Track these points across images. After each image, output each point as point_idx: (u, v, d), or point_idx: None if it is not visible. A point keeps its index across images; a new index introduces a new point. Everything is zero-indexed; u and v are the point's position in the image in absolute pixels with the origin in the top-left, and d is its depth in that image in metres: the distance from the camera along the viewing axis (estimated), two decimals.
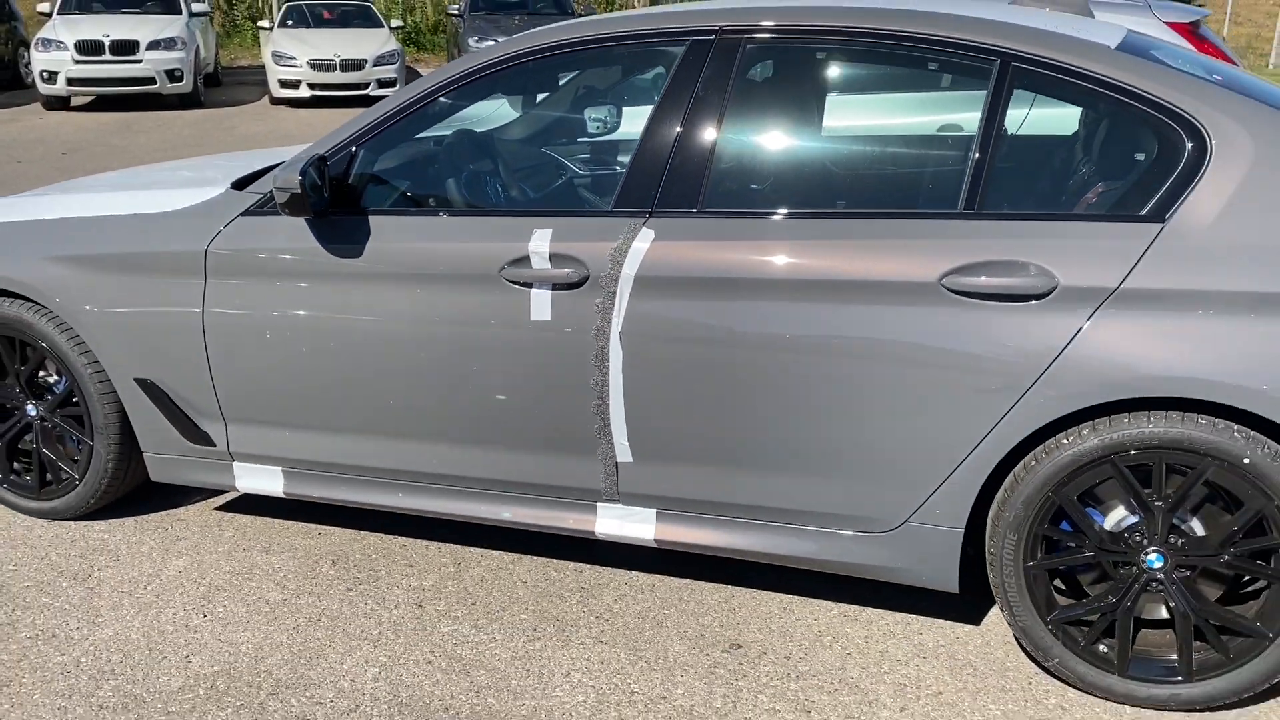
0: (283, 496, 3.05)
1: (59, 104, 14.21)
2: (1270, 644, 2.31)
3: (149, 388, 3.03)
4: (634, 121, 3.37)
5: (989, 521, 2.44)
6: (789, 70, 2.84)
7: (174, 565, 3.06)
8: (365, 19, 16.25)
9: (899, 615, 2.80)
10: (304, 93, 14.49)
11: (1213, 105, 2.29)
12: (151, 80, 14.00)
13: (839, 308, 2.40)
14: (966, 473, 2.39)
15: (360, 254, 2.74)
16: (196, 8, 15.87)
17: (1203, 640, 2.38)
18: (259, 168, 3.25)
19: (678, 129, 2.58)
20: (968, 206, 2.38)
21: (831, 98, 2.91)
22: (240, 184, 3.04)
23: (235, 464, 3.06)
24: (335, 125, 12.98)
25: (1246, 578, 2.38)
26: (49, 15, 14.70)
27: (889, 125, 2.99)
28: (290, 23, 15.88)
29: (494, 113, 3.56)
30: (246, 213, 2.88)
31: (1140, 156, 2.41)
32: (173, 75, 14.11)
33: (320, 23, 15.93)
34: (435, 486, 2.86)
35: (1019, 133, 2.61)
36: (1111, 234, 2.27)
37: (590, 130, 3.83)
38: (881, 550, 2.53)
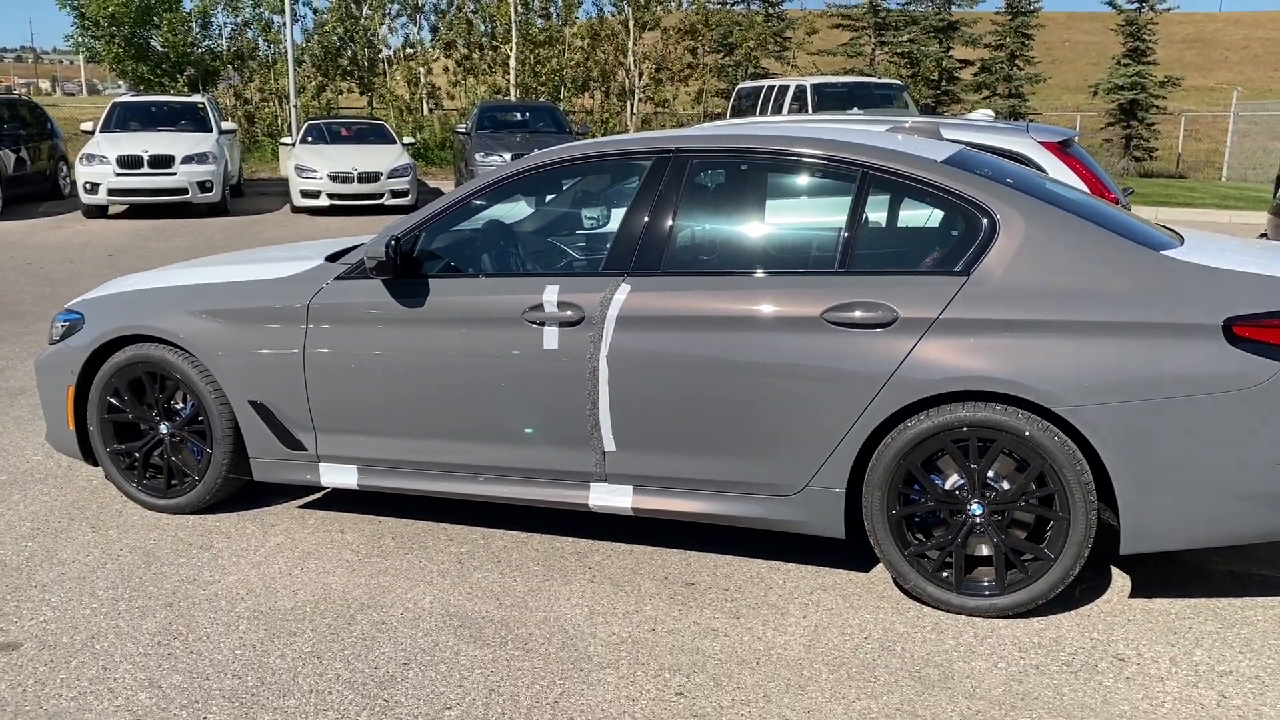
0: (356, 489, 4.09)
1: (98, 212, 15.54)
2: (1054, 563, 3.35)
3: (259, 407, 4.10)
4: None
5: (864, 484, 3.50)
6: (723, 177, 4.01)
7: (272, 540, 4.09)
8: (380, 136, 17.76)
9: (810, 566, 3.83)
10: (324, 202, 15.86)
11: (1000, 198, 3.45)
12: (184, 191, 15.36)
13: (755, 335, 3.51)
14: (845, 449, 3.46)
15: (422, 305, 3.85)
16: (225, 126, 17.36)
17: (1012, 566, 3.42)
18: (339, 249, 4.39)
19: (646, 217, 3.73)
20: (841, 267, 3.52)
21: (752, 195, 4.07)
22: (332, 258, 4.18)
23: (321, 464, 4.11)
24: (351, 231, 14.30)
25: (1047, 519, 3.43)
26: (91, 133, 16.14)
27: (791, 214, 4.13)
28: (310, 139, 17.36)
29: (515, 209, 4.73)
30: (339, 278, 4.00)
31: (955, 232, 3.55)
32: (204, 186, 15.48)
33: (338, 139, 17.43)
34: (473, 475, 3.91)
35: (877, 217, 3.76)
36: (934, 283, 3.40)
37: (586, 226, 5.01)
38: (791, 508, 3.58)
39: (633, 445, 3.70)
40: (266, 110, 24.50)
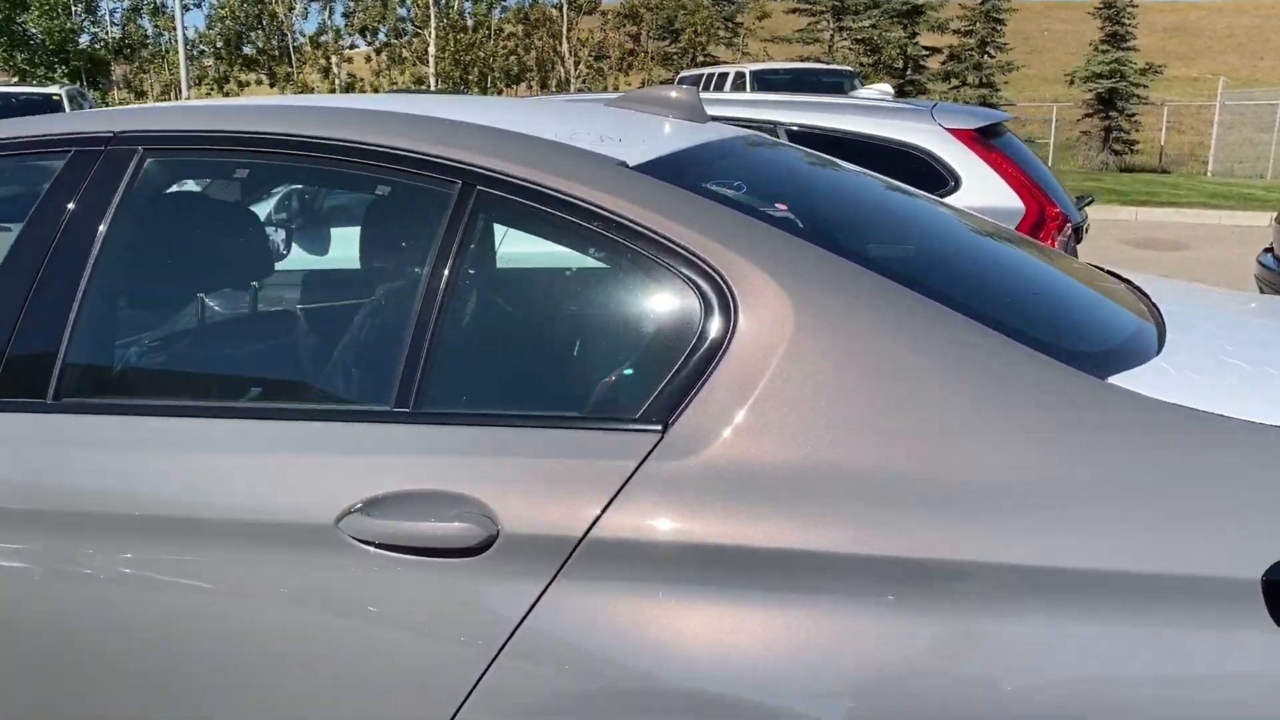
0: None
1: None
2: None
3: None
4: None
5: None
6: (199, 197, 2.00)
7: None
8: None
9: None
10: None
11: (745, 249, 1.46)
12: None
13: (204, 560, 1.54)
14: None
15: None
16: None
17: None
18: None
19: (24, 279, 1.75)
20: (401, 405, 1.53)
21: (246, 235, 2.04)
22: None
23: None
24: None
25: None
26: None
27: (321, 279, 2.14)
28: None
29: None
30: None
31: (646, 326, 1.57)
32: None
33: None
34: None
35: (488, 286, 1.75)
36: (586, 448, 1.43)
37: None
38: None
39: None
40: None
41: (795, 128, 3.86)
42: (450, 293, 1.55)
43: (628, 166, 1.59)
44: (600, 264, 1.59)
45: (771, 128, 3.88)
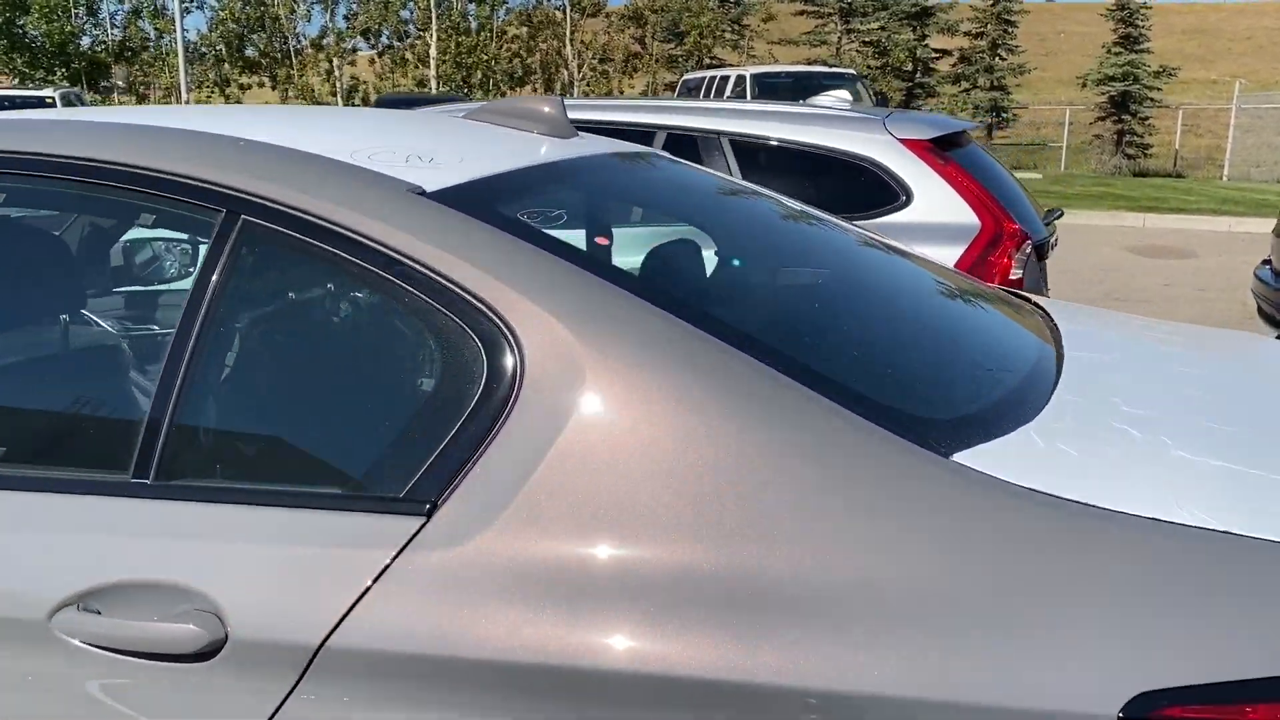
0: None
1: None
2: None
3: None
4: None
5: None
6: None
7: None
8: None
9: None
10: None
11: (537, 294, 1.23)
12: None
13: None
14: None
15: None
16: None
17: None
18: None
19: None
20: (140, 474, 1.31)
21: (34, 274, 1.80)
22: None
23: None
24: None
25: None
26: None
27: (74, 314, 1.89)
28: None
29: None
30: None
31: (425, 385, 1.34)
32: None
33: None
34: None
35: (250, 332, 1.51)
36: (336, 535, 1.19)
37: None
38: None
39: None
40: None
41: (738, 137, 3.61)
42: (205, 341, 1.31)
43: (423, 193, 1.35)
44: (374, 309, 1.35)
45: (715, 137, 3.63)
